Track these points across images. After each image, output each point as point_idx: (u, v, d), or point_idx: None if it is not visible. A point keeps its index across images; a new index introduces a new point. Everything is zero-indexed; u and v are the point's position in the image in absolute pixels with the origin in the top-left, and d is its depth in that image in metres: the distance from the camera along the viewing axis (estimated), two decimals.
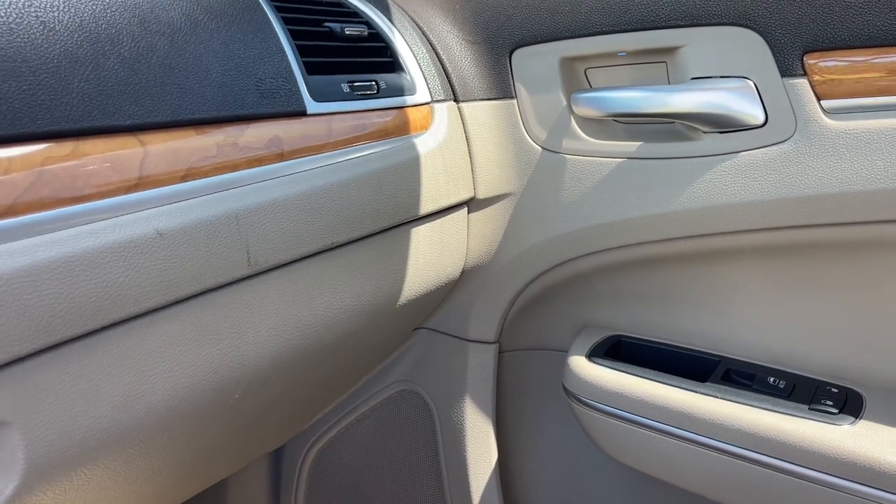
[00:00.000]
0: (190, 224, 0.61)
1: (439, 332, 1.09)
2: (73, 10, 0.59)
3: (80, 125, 0.56)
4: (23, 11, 0.55)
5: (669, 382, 0.89)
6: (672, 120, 0.87)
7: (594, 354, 0.97)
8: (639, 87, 0.87)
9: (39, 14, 0.57)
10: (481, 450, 1.09)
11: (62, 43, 0.57)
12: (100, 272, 0.54)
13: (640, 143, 0.89)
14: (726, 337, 0.95)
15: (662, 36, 0.86)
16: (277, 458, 1.27)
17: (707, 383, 0.88)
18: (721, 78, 0.83)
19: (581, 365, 0.95)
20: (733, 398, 0.85)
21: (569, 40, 0.91)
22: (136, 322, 0.58)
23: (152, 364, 0.60)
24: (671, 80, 0.88)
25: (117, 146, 0.58)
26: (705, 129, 0.85)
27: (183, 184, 0.62)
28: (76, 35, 0.58)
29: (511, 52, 0.94)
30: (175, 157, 0.62)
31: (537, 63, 0.93)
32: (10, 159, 0.51)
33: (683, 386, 0.88)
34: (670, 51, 0.86)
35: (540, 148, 0.94)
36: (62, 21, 0.58)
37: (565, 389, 0.97)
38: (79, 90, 0.56)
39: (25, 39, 0.55)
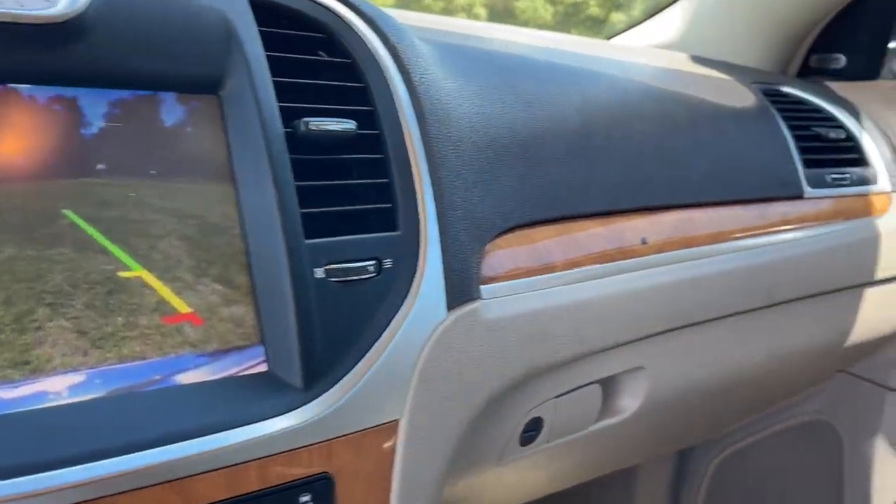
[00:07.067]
0: (728, 269, 0.93)
1: (861, 377, 1.29)
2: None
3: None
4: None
5: None
6: None
7: None
8: None
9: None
10: (888, 487, 1.26)
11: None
12: (677, 295, 0.87)
13: None
14: None
15: None
16: (683, 459, 1.55)
17: None
18: None
19: None
20: None
21: None
22: (699, 326, 0.91)
23: (711, 350, 0.95)
24: None
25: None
26: None
27: (721, 244, 0.94)
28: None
29: None
30: (720, 225, 0.94)
31: None
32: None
33: None
34: None
35: None
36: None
37: None
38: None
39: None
